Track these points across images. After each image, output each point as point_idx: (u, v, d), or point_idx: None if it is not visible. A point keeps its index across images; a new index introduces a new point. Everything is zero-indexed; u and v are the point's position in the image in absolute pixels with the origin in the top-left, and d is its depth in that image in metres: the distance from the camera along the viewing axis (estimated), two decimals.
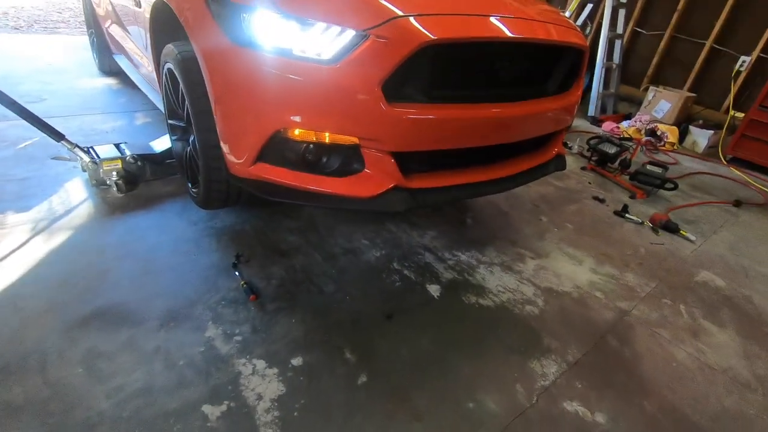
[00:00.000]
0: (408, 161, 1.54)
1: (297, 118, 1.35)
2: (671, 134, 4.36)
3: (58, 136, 2.05)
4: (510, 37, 1.47)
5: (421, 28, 1.29)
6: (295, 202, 1.51)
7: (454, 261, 2.10)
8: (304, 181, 1.47)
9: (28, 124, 2.10)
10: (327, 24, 1.28)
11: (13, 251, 1.73)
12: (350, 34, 1.28)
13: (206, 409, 1.26)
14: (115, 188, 2.16)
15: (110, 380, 1.29)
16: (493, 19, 1.50)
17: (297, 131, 1.38)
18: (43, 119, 2.03)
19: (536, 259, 2.21)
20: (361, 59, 1.28)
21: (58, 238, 1.83)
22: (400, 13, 1.29)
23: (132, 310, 1.54)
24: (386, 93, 1.33)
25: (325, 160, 1.46)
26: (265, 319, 1.59)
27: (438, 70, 1.46)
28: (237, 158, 1.50)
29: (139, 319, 1.51)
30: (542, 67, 1.83)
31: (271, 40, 1.30)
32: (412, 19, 1.29)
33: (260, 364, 1.42)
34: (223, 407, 1.27)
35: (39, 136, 2.60)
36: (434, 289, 1.89)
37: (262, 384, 1.36)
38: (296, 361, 1.45)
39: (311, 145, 1.42)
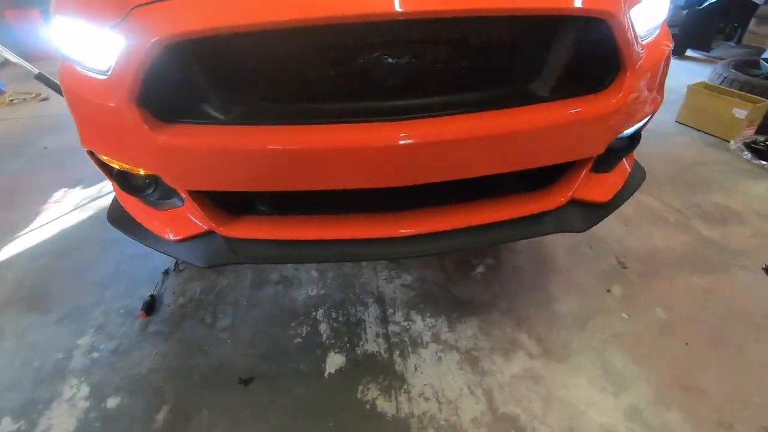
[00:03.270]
0: (243, 199, 1.14)
1: (86, 139, 1.14)
2: None
3: None
4: (356, 15, 0.84)
5: (163, 20, 0.86)
6: (134, 239, 1.30)
7: (400, 327, 1.52)
8: (136, 210, 1.26)
9: None
10: (87, 23, 1.00)
11: (45, 224, 2.13)
12: (103, 33, 0.96)
13: (4, 422, 1.28)
14: None
15: None
16: None
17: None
18: None
19: (537, 359, 1.40)
20: (119, 67, 0.95)
21: (78, 217, 2.17)
22: None
23: (56, 298, 1.69)
24: (158, 110, 0.97)
25: (141, 185, 1.20)
26: (133, 342, 1.50)
27: (243, 76, 0.99)
28: None
29: (49, 309, 1.64)
30: (498, 59, 1.04)
31: (62, 47, 1.11)
32: (154, 6, 0.87)
33: (84, 391, 1.35)
34: (14, 427, 1.27)
35: None
36: (335, 362, 1.41)
37: (64, 416, 1.28)
38: (112, 402, 1.32)
39: (117, 167, 1.18)
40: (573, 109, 1.03)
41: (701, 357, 1.39)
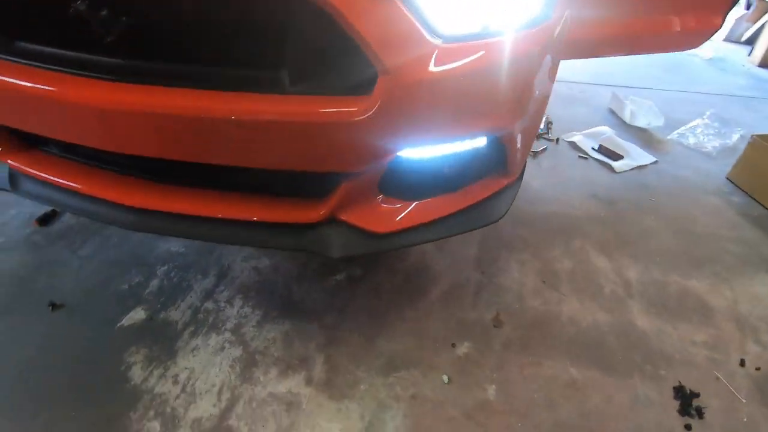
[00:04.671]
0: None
1: None
2: None
3: None
4: None
5: None
6: None
7: (215, 306, 1.47)
8: None
9: None
10: None
11: None
12: None
13: None
14: None
15: None
16: None
17: None
18: None
19: (310, 387, 1.25)
20: None
21: None
22: None
23: None
24: None
25: None
26: (13, 244, 1.68)
27: None
28: None
29: None
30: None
31: None
32: None
33: None
34: None
35: None
36: (135, 317, 1.42)
37: None
38: None
39: None
40: (308, 108, 0.84)
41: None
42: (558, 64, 1.14)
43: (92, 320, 1.42)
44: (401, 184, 1.03)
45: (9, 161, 1.17)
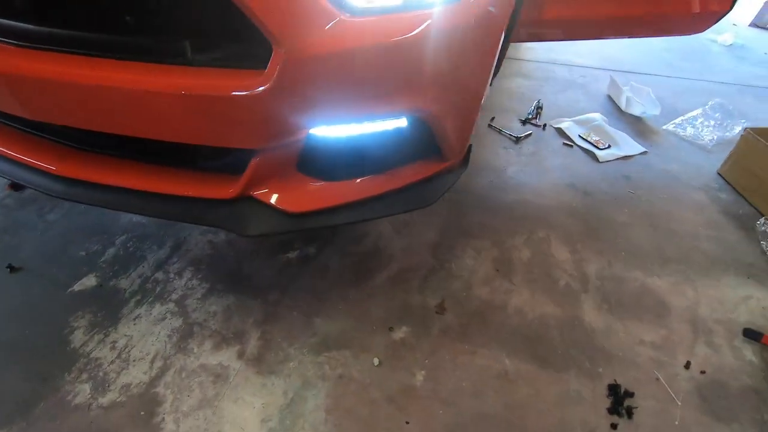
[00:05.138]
0: None
1: None
2: None
3: None
4: None
5: None
6: None
7: (164, 277, 1.50)
8: None
9: None
10: None
11: None
12: None
13: None
14: None
15: None
16: None
17: None
18: None
19: (241, 361, 1.27)
20: None
21: None
22: None
23: None
24: None
25: None
26: None
27: None
28: None
29: None
30: None
31: None
32: None
33: None
34: None
35: None
36: (86, 283, 1.46)
37: None
38: None
39: None
40: (203, 80, 0.83)
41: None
42: (497, 43, 1.08)
43: (46, 284, 1.47)
44: (320, 164, 1.01)
45: None
